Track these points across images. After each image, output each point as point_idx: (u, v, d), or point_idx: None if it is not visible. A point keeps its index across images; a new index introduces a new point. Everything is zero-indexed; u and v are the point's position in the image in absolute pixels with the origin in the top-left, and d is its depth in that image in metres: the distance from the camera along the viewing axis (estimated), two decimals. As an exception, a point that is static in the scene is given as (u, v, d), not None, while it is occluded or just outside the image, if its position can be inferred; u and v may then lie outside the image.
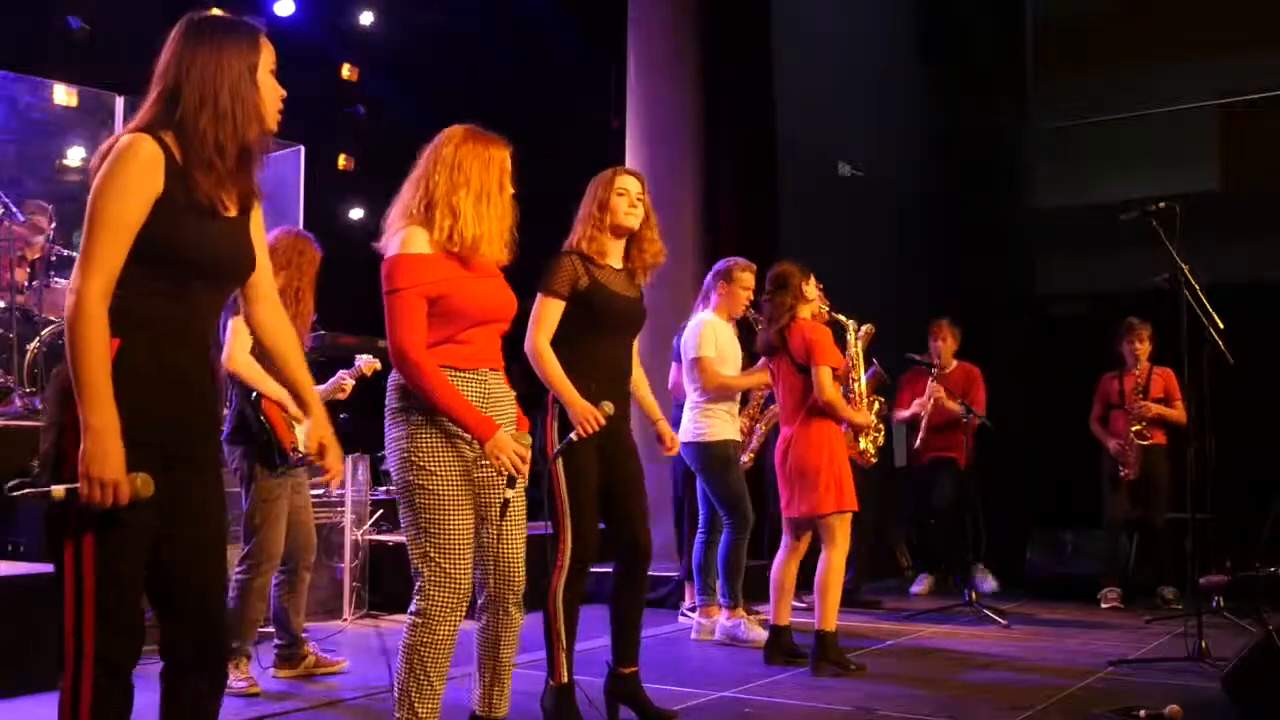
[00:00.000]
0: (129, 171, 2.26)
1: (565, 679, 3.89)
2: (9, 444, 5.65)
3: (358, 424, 7.52)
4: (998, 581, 7.56)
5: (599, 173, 4.09)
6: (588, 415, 3.76)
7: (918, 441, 7.44)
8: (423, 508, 3.01)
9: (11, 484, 2.23)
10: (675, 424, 6.13)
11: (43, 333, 6.65)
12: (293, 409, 4.51)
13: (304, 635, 4.85)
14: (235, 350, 4.36)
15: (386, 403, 3.10)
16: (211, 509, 2.43)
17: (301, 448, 4.48)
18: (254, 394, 4.43)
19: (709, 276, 5.89)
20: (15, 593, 4.51)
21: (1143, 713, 4.04)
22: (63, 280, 7.00)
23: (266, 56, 2.43)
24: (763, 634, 5.52)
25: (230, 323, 4.37)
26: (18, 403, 6.34)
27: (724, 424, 5.66)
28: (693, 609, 6.17)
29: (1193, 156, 9.44)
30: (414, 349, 2.97)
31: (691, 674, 4.94)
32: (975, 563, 7.51)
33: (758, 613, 5.89)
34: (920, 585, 7.67)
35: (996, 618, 6.34)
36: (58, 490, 2.18)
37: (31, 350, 6.61)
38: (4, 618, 4.41)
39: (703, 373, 5.59)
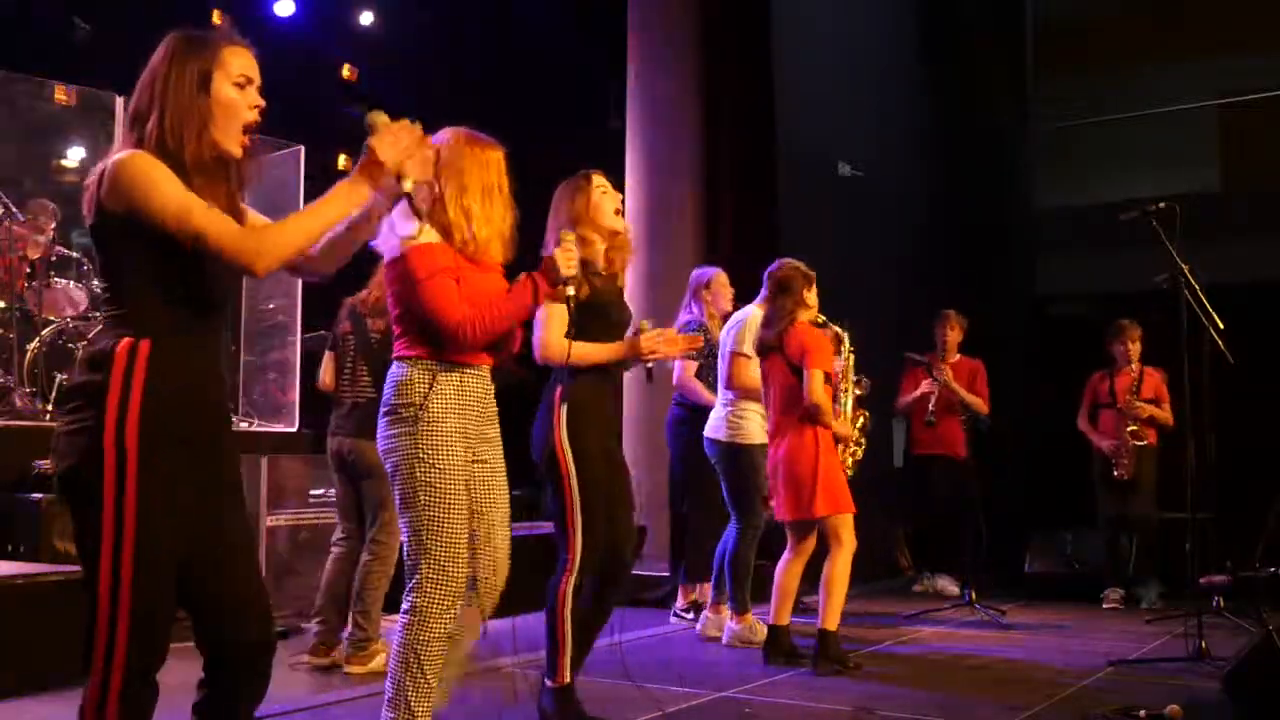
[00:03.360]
0: (156, 165, 2.30)
1: (567, 680, 3.85)
2: (9, 444, 5.65)
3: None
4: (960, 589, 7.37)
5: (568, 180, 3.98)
6: (648, 342, 3.81)
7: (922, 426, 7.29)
8: (427, 504, 3.00)
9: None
10: (671, 423, 6.14)
11: (43, 333, 6.64)
12: None
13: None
14: None
15: (387, 398, 3.08)
16: (241, 514, 2.47)
17: None
18: None
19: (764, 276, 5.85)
20: (15, 593, 4.51)
21: (1143, 713, 4.04)
22: (63, 280, 7.00)
23: (232, 65, 2.43)
24: None
25: None
26: (18, 403, 6.34)
27: (758, 427, 5.61)
28: (685, 610, 6.18)
29: (1193, 156, 9.47)
30: (458, 315, 3.01)
31: (691, 674, 4.94)
32: (978, 561, 7.37)
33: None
34: (939, 582, 7.54)
35: (997, 618, 6.34)
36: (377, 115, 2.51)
37: (31, 350, 6.60)
38: (4, 618, 4.41)
39: (736, 371, 5.57)
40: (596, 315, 3.81)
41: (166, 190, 2.28)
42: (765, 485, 5.62)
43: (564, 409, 3.79)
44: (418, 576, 3.00)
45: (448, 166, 3.12)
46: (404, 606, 3.02)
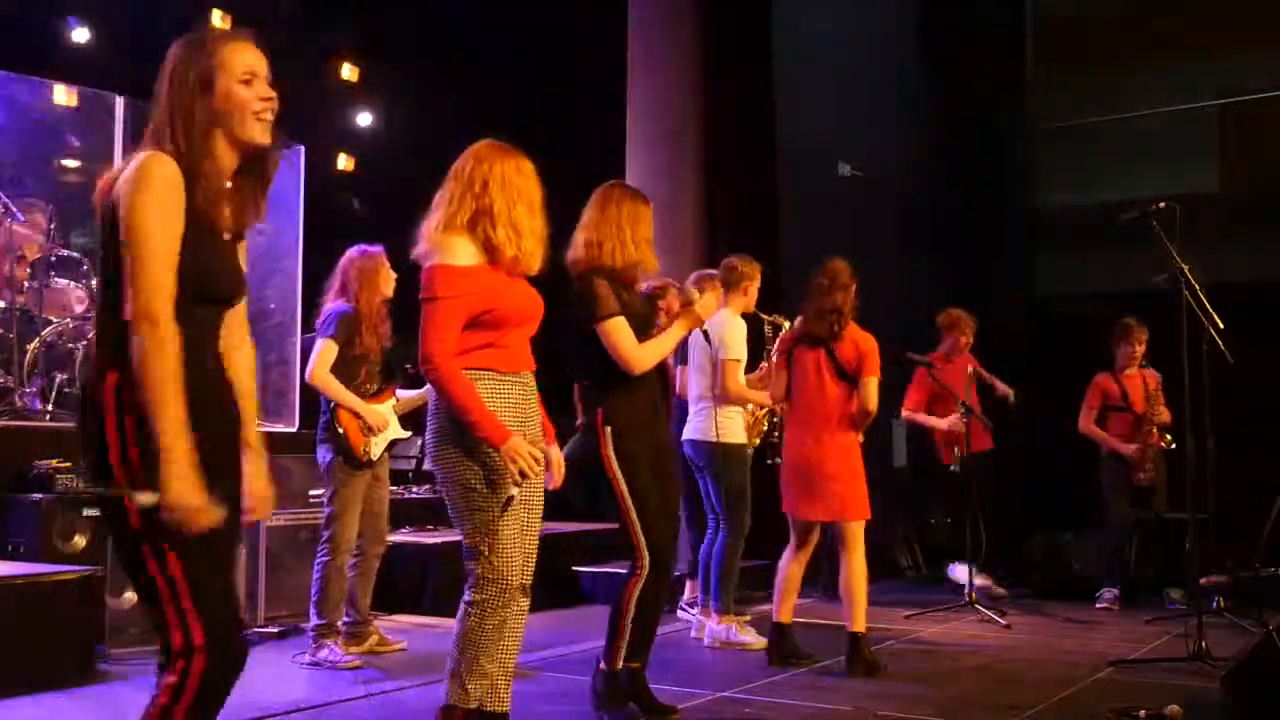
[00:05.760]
0: (165, 190, 2.27)
1: (619, 665, 4.08)
2: (9, 444, 5.65)
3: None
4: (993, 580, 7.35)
5: (613, 185, 4.16)
6: (704, 309, 4.19)
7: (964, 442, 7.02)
8: (477, 507, 3.13)
9: (88, 487, 2.27)
10: (681, 423, 6.12)
11: (43, 333, 6.64)
12: (367, 420, 5.09)
13: (370, 616, 5.30)
14: (316, 367, 5.03)
15: (432, 405, 3.21)
16: (236, 518, 2.47)
17: (372, 454, 5.12)
18: (333, 404, 5.07)
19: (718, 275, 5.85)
20: (15, 593, 4.52)
21: (1143, 713, 4.05)
22: (62, 280, 6.99)
23: (235, 63, 2.40)
24: (754, 637, 5.55)
25: (319, 342, 5.02)
26: (18, 402, 6.35)
27: (740, 426, 5.66)
28: (691, 604, 6.16)
29: (1193, 156, 9.44)
30: (442, 356, 3.08)
31: (691, 674, 4.94)
32: (976, 561, 7.27)
33: (744, 613, 5.86)
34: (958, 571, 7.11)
35: (996, 618, 6.35)
36: (146, 498, 2.18)
37: (31, 350, 6.60)
38: (4, 618, 4.41)
39: (730, 377, 5.52)
40: (639, 322, 4.04)
41: (156, 240, 2.25)
42: (748, 484, 5.66)
43: (608, 430, 3.98)
44: (474, 575, 3.16)
45: (494, 179, 3.18)
46: (464, 598, 3.19)
